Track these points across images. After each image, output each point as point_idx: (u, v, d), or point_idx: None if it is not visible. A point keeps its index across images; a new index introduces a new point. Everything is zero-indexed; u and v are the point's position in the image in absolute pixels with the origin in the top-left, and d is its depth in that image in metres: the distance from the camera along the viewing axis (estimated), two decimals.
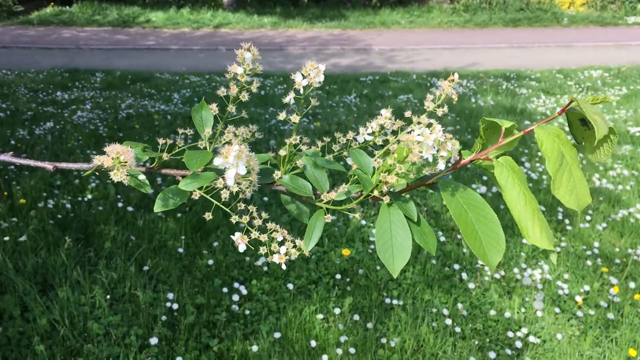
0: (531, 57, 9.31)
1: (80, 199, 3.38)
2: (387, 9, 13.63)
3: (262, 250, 0.71)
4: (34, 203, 3.29)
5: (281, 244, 0.72)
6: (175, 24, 11.67)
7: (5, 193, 3.37)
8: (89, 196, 3.38)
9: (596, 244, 3.08)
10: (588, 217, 3.37)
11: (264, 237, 0.70)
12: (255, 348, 2.29)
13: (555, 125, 0.73)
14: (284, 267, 0.71)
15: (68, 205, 3.27)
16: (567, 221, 3.33)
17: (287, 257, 0.71)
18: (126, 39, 10.23)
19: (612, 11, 13.81)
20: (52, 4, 12.61)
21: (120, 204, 3.30)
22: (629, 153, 4.51)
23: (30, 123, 4.90)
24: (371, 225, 3.22)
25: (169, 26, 11.56)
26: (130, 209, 3.27)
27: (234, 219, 0.69)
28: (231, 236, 0.71)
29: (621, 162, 4.32)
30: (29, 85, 6.38)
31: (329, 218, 0.72)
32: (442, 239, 3.09)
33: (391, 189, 0.73)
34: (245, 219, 0.70)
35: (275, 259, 0.70)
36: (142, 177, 0.73)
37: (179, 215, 3.22)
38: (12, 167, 3.75)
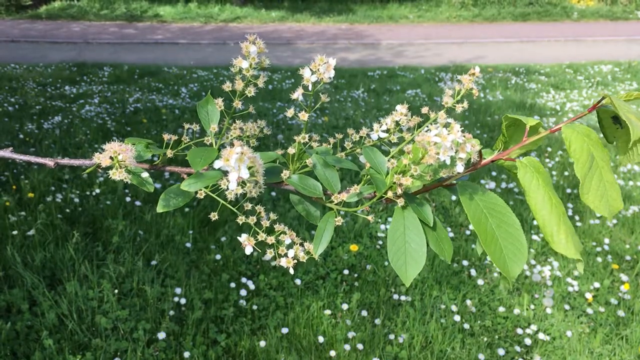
0: (540, 51, 9.24)
1: (88, 193, 3.38)
2: (395, 3, 13.57)
3: (270, 253, 0.67)
4: (43, 197, 3.29)
5: (289, 247, 0.68)
6: (184, 18, 11.66)
7: (14, 187, 3.38)
8: (97, 190, 3.38)
9: (606, 241, 3.05)
10: (598, 214, 3.34)
11: (271, 240, 0.67)
12: (262, 343, 2.28)
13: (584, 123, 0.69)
14: (291, 271, 0.68)
15: (76, 200, 3.27)
16: (577, 217, 3.30)
17: (295, 261, 0.68)
18: (134, 33, 10.23)
19: (622, 5, 13.68)
20: None
21: (128, 199, 3.30)
22: None
23: (38, 117, 4.91)
24: (379, 220, 3.21)
25: (177, 20, 11.55)
26: (138, 203, 3.27)
27: (241, 219, 0.67)
28: (238, 237, 0.68)
29: None
30: (37, 79, 6.39)
31: (340, 220, 0.68)
32: (451, 234, 3.07)
33: (406, 190, 0.69)
34: (253, 219, 0.68)
35: (283, 262, 0.67)
36: (145, 174, 0.70)
37: (186, 210, 3.21)
38: (21, 160, 3.76)
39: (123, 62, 7.57)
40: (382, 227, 3.12)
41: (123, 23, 11.25)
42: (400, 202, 0.67)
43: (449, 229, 3.11)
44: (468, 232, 3.13)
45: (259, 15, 12.08)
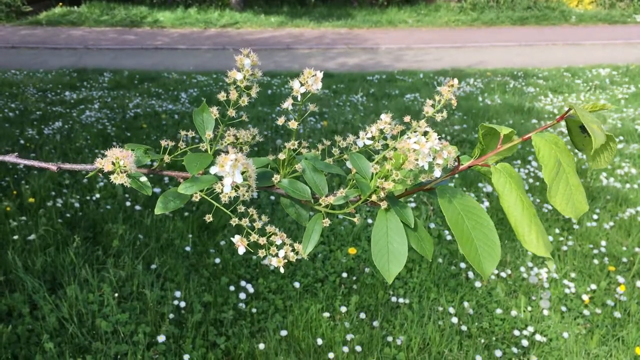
0: (539, 55, 9.28)
1: (88, 198, 3.40)
2: (394, 7, 13.61)
3: (261, 253, 0.71)
4: (43, 202, 3.31)
5: (280, 247, 0.72)
6: (183, 23, 11.71)
7: (15, 192, 3.40)
8: (97, 195, 3.40)
9: (603, 243, 3.07)
10: (595, 216, 3.37)
11: (263, 240, 0.71)
12: (262, 346, 2.30)
13: (558, 130, 0.72)
14: (282, 270, 0.72)
15: (76, 204, 3.29)
16: (573, 220, 3.32)
17: (286, 260, 0.71)
18: (134, 39, 10.27)
19: (620, 9, 13.73)
20: (61, 4, 12.67)
21: (128, 203, 3.32)
22: (636, 151, 4.49)
23: (39, 123, 4.93)
24: None
25: (176, 26, 11.60)
26: (138, 207, 3.29)
27: (234, 221, 0.70)
28: (231, 238, 0.71)
29: (629, 161, 4.30)
30: (37, 85, 6.42)
31: (327, 222, 0.72)
32: (449, 237, 3.09)
33: (390, 193, 0.72)
34: (245, 221, 0.71)
35: (274, 262, 0.71)
36: (143, 179, 0.73)
37: (186, 214, 3.24)
38: (21, 166, 3.79)
39: (123, 68, 7.61)
40: None
41: (123, 29, 11.30)
42: (383, 204, 0.70)
43: (447, 232, 3.13)
44: None
45: (258, 21, 12.13)
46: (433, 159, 0.68)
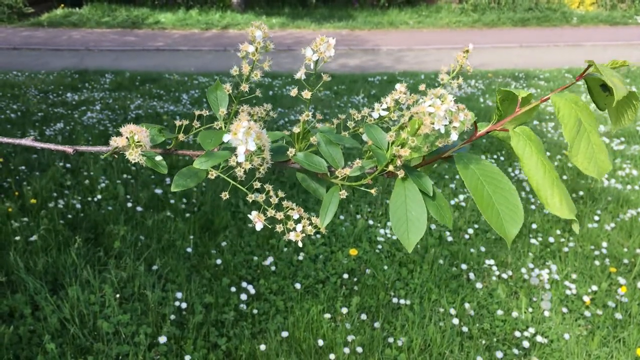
0: (540, 56, 9.28)
1: (90, 199, 3.41)
2: (395, 9, 13.62)
3: (279, 228, 0.70)
4: (45, 203, 3.32)
5: (297, 221, 0.71)
6: (184, 25, 11.71)
7: (16, 193, 3.41)
8: (99, 196, 3.41)
9: (604, 244, 3.07)
10: (596, 217, 3.37)
11: (280, 215, 0.70)
12: (263, 347, 2.30)
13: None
14: (300, 244, 0.71)
15: (78, 205, 3.30)
16: (575, 220, 3.32)
17: (304, 234, 0.70)
18: (135, 40, 10.28)
19: (621, 10, 13.72)
20: (62, 5, 12.69)
21: (129, 204, 3.32)
22: (638, 153, 4.49)
23: (40, 124, 4.94)
24: (379, 225, 3.23)
25: (177, 27, 11.60)
26: (139, 209, 3.29)
27: (250, 197, 0.69)
28: (248, 215, 0.71)
29: (630, 162, 4.30)
30: (39, 86, 6.43)
31: (344, 194, 0.71)
32: (450, 239, 3.09)
33: (407, 163, 0.71)
34: (261, 197, 0.70)
35: (292, 236, 0.70)
36: (158, 158, 0.73)
37: (187, 215, 3.24)
38: (23, 167, 3.79)
39: (124, 69, 7.62)
40: (382, 231, 3.14)
41: (124, 30, 11.31)
42: (401, 173, 0.69)
43: (448, 233, 3.13)
44: (467, 236, 3.15)
45: (259, 22, 12.12)
46: (449, 122, 0.66)
